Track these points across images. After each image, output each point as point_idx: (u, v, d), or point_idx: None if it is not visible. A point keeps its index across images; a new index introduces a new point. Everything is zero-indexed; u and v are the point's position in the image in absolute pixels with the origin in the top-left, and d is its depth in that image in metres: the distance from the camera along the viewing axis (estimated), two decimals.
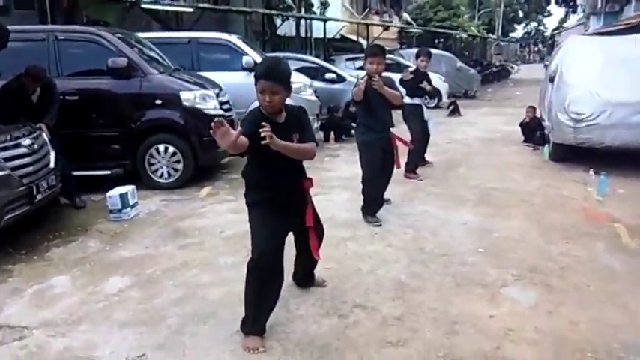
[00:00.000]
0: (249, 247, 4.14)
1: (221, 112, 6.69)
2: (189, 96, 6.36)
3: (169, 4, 11.10)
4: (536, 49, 70.39)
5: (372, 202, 4.94)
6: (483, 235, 4.56)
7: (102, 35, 6.31)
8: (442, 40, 27.12)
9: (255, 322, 2.94)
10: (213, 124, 2.44)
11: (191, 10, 11.41)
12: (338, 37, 22.72)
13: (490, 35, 36.47)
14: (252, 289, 2.91)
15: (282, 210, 2.95)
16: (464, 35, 27.91)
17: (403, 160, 6.67)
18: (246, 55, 8.37)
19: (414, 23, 24.34)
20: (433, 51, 19.93)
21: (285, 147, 2.71)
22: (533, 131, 8.96)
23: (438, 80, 15.80)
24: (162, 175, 6.44)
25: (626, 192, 6.03)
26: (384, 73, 4.86)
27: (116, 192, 5.36)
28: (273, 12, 16.24)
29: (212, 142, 6.46)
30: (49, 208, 5.34)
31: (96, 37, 6.29)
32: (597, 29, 24.59)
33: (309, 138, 2.94)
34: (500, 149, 8.89)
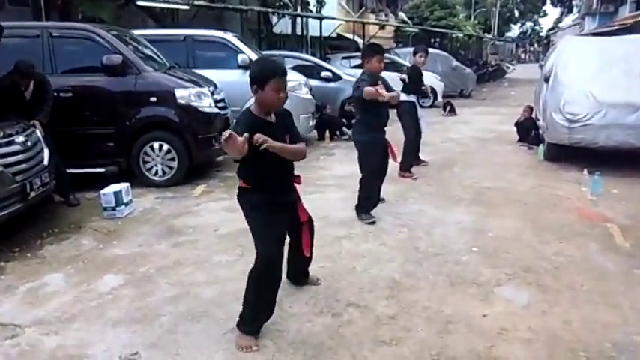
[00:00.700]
0: (244, 245, 4.19)
1: (216, 110, 6.69)
2: (184, 93, 6.34)
3: (164, 1, 11.05)
4: (531, 48, 70.61)
5: (368, 202, 4.94)
6: (477, 235, 4.58)
7: (96, 32, 6.27)
8: (438, 39, 27.16)
9: (254, 322, 2.95)
10: (222, 137, 2.44)
11: (187, 7, 11.36)
12: (334, 35, 22.71)
13: (486, 35, 36.57)
14: (255, 292, 2.91)
15: (280, 210, 2.97)
16: (460, 35, 27.97)
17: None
18: (242, 52, 8.34)
19: (410, 22, 24.37)
20: (429, 50, 20.01)
21: (281, 148, 2.74)
22: (528, 131, 8.99)
23: (433, 79, 15.89)
24: (156, 172, 6.42)
25: (620, 192, 6.06)
26: None
27: (110, 190, 5.34)
28: (270, 9, 16.20)
29: (207, 139, 6.58)
30: (42, 206, 5.32)
31: (90, 34, 6.25)
32: (592, 30, 24.70)
33: (299, 138, 3.00)
34: (495, 148, 8.91)
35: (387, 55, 15.54)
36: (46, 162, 5.10)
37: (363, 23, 21.65)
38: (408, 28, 25.03)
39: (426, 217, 5.05)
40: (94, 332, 3.10)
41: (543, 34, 59.04)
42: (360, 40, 21.35)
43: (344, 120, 10.10)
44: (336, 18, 19.94)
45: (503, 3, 43.51)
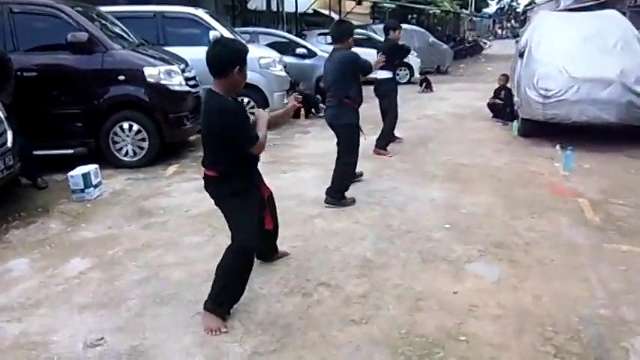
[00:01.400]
0: (215, 226, 4.14)
1: (187, 88, 6.53)
2: (154, 72, 6.16)
3: None
4: (508, 25, 70.65)
5: (346, 186, 4.83)
6: (450, 211, 4.58)
7: (60, 8, 6.01)
8: (415, 15, 26.97)
9: (225, 305, 2.91)
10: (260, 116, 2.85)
11: None
12: (310, 11, 22.39)
13: (463, 11, 36.46)
14: (230, 276, 2.87)
15: (254, 190, 2.93)
16: (437, 11, 27.81)
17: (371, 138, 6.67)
18: (213, 29, 8.13)
19: None
20: (405, 26, 19.85)
21: (267, 126, 2.85)
22: (504, 107, 8.96)
23: (409, 56, 15.77)
24: (127, 153, 6.27)
25: (592, 167, 6.12)
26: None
27: (78, 171, 5.21)
28: None
29: (178, 118, 6.44)
30: (8, 189, 5.16)
31: (54, 10, 5.99)
32: (568, 5, 24.79)
33: None
34: (470, 125, 8.92)
35: (362, 31, 15.50)
36: (9, 144, 4.92)
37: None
38: (384, 4, 24.76)
39: (400, 194, 5.03)
40: (59, 318, 3.02)
41: (520, 9, 59.14)
42: (336, 16, 21.05)
43: (318, 97, 10.00)
44: None
45: None
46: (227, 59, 2.68)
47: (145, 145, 6.26)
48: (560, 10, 21.20)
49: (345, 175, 4.79)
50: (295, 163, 6.36)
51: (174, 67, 6.43)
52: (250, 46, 8.78)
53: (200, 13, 8.37)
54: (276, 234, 3.46)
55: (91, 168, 5.29)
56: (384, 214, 4.50)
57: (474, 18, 41.98)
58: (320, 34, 15.24)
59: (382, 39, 15.87)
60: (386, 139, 6.73)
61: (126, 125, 6.16)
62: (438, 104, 11.38)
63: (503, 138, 7.84)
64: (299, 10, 19.09)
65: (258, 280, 3.32)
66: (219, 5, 18.49)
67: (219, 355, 2.62)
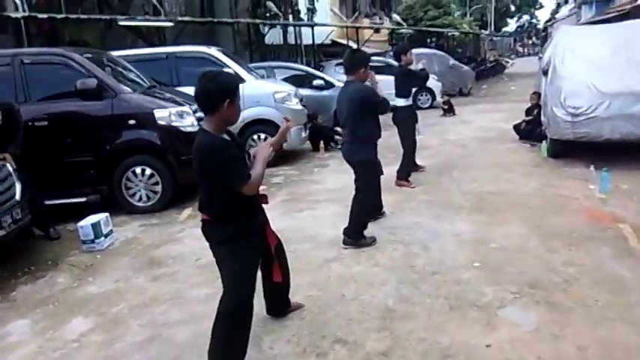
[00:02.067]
0: None
1: (198, 128, 6.37)
2: (164, 114, 6.04)
3: (146, 20, 10.81)
4: (530, 42, 69.86)
5: (363, 225, 4.53)
6: (478, 247, 4.22)
7: (69, 56, 5.99)
8: (434, 38, 26.78)
9: None
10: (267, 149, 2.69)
11: (171, 24, 11.12)
12: (328, 42, 22.45)
13: (483, 31, 36.13)
14: (226, 336, 2.62)
15: (252, 236, 2.70)
16: (456, 33, 27.57)
17: (392, 168, 6.38)
18: (227, 67, 8.05)
19: (404, 24, 24.03)
20: (425, 50, 19.68)
21: (264, 163, 2.63)
22: (533, 127, 8.52)
23: (430, 80, 15.52)
24: (140, 198, 6.12)
25: (630, 187, 5.68)
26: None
27: (88, 221, 5.06)
28: (258, 21, 15.94)
29: (191, 160, 6.25)
30: (19, 242, 5.05)
31: (63, 58, 5.98)
32: (589, 19, 24.28)
33: None
34: (496, 148, 8.54)
35: (380, 58, 15.35)
36: (17, 197, 4.81)
37: (356, 28, 21.35)
38: (402, 30, 24.69)
39: (423, 230, 4.70)
40: None
41: (541, 26, 58.38)
42: (354, 45, 21.04)
43: (337, 129, 9.78)
44: (326, 24, 19.64)
45: None
46: (214, 93, 2.49)
47: (159, 188, 6.10)
48: (581, 24, 20.74)
49: (361, 212, 4.49)
50: (313, 200, 6.10)
51: (186, 108, 6.30)
52: (265, 82, 8.83)
53: (213, 51, 8.32)
54: (288, 286, 3.18)
55: (101, 217, 5.13)
56: (406, 254, 4.16)
57: (494, 38, 41.61)
58: (337, 64, 15.11)
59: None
60: (406, 169, 6.42)
61: (138, 170, 6.03)
62: (461, 128, 11.03)
63: (531, 160, 7.44)
64: (317, 42, 19.11)
65: (269, 339, 3.03)
66: (237, 42, 18.70)
67: None
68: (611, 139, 6.57)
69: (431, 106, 14.99)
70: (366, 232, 4.54)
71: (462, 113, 13.50)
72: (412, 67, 6.73)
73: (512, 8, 52.96)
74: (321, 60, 19.13)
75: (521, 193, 5.74)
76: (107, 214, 5.23)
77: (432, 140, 9.43)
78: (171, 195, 6.17)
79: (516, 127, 9.01)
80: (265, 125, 8.18)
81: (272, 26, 17.26)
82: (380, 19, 27.99)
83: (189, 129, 6.22)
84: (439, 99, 14.73)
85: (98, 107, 5.93)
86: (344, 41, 22.86)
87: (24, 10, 8.78)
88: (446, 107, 13.34)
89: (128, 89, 6.21)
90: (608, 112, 6.47)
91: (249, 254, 2.65)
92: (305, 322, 3.19)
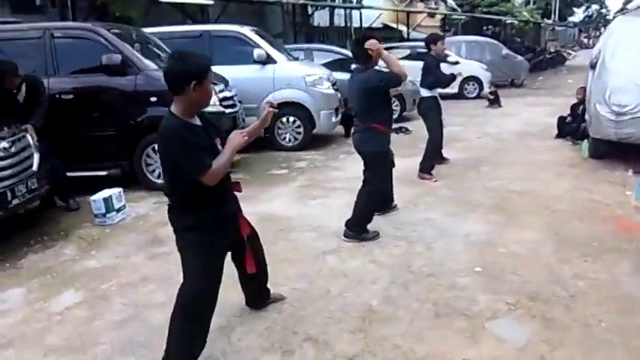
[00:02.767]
0: None
1: (220, 109, 6.34)
2: None
3: None
4: (596, 33, 65.86)
5: (369, 218, 4.34)
6: (486, 250, 3.95)
7: (96, 31, 6.03)
8: (490, 26, 25.69)
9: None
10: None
11: (211, 2, 11.11)
12: (380, 25, 21.99)
13: (545, 20, 34.33)
14: (180, 326, 2.53)
15: (221, 224, 2.59)
16: (514, 21, 26.30)
17: (414, 159, 6.13)
18: (259, 47, 7.95)
19: (459, 9, 23.15)
20: (477, 38, 18.92)
21: (230, 156, 2.46)
22: (577, 126, 7.98)
23: (479, 69, 14.96)
24: (159, 175, 6.14)
25: None
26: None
27: (100, 195, 5.11)
28: (302, 1, 15.71)
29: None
30: (42, 211, 5.26)
31: (90, 33, 6.03)
32: None
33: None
34: (535, 144, 8.07)
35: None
36: (35, 167, 4.90)
37: (406, 12, 20.73)
38: (455, 16, 23.81)
39: (433, 228, 4.46)
40: None
41: (610, 17, 54.85)
42: (404, 29, 20.51)
43: None
44: (372, 7, 19.14)
45: None
46: (180, 74, 2.37)
47: None
48: None
49: (368, 205, 4.30)
50: (330, 188, 5.94)
51: None
52: (297, 64, 8.67)
53: (246, 31, 8.22)
54: (264, 277, 3.07)
55: (114, 192, 5.18)
56: (407, 252, 3.95)
57: (557, 27, 39.43)
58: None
59: (450, 53, 15.26)
60: (430, 162, 6.14)
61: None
62: (503, 121, 10.51)
63: (570, 160, 6.97)
64: (365, 24, 18.73)
65: (240, 330, 2.93)
66: (286, 22, 18.60)
67: None
68: None
69: (478, 96, 14.42)
70: (372, 226, 4.36)
71: (509, 105, 12.90)
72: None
73: None
74: None
75: (549, 195, 5.37)
76: (120, 189, 5.27)
77: (469, 132, 9.04)
78: None
79: (559, 122, 8.47)
80: (295, 108, 8.05)
81: (317, 7, 17.00)
82: (435, 3, 27.13)
83: (210, 108, 6.10)
84: (486, 89, 14.14)
85: (122, 83, 5.96)
86: (395, 25, 22.35)
87: None
88: (492, 98, 12.77)
89: (154, 66, 6.20)
90: None
91: (211, 245, 2.54)
92: (281, 317, 3.08)
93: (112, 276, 3.85)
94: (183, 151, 2.36)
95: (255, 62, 7.88)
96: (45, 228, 5.01)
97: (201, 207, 2.50)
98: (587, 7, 53.42)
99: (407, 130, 9.18)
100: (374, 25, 21.01)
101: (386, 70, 4.22)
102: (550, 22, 35.70)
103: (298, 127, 8.16)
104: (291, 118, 8.12)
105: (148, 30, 7.69)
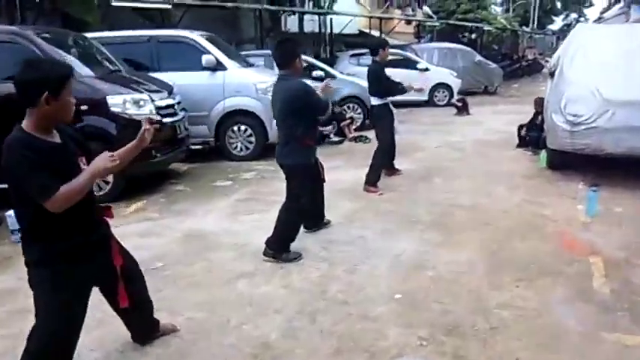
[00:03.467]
0: None
1: (157, 117, 5.98)
2: (118, 101, 5.68)
3: (142, 1, 10.49)
4: None
5: (291, 238, 4.05)
6: (413, 273, 3.65)
7: (24, 35, 5.69)
8: (467, 33, 25.62)
9: None
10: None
11: (169, 6, 10.77)
12: (355, 32, 21.80)
13: (523, 28, 34.40)
14: None
15: (86, 258, 2.24)
16: (491, 28, 26.26)
17: (366, 170, 5.84)
18: (208, 52, 7.62)
19: (434, 16, 23.00)
20: (450, 45, 18.75)
21: (91, 176, 2.20)
22: (538, 136, 7.74)
23: (448, 76, 14.78)
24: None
25: (625, 210, 4.98)
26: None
27: None
28: (267, 6, 15.42)
29: (144, 151, 5.83)
30: None
31: (17, 37, 5.68)
32: (638, 18, 22.71)
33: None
34: (495, 154, 7.82)
35: (398, 51, 14.63)
36: None
37: (379, 18, 20.53)
38: (430, 23, 23.66)
39: (362, 247, 4.15)
40: None
41: None
42: (382, 36, 20.30)
43: (334, 122, 9.30)
44: (342, 13, 18.90)
45: None
46: (30, 84, 2.09)
47: (110, 179, 5.75)
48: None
49: (286, 223, 4.00)
50: (271, 202, 5.57)
51: (143, 95, 5.93)
52: (248, 70, 8.33)
53: (195, 36, 7.88)
54: (147, 309, 2.75)
55: None
56: (325, 276, 3.63)
57: (535, 35, 39.58)
58: (352, 55, 14.56)
59: (421, 60, 15.03)
60: (376, 174, 5.84)
61: None
62: (468, 129, 10.27)
63: (527, 171, 6.73)
64: (337, 31, 18.49)
65: None
66: (257, 28, 18.27)
67: None
68: (614, 153, 5.83)
69: (448, 104, 14.22)
70: (298, 245, 4.05)
71: (479, 113, 12.71)
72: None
73: (559, 5, 50.40)
74: (340, 50, 18.55)
75: (496, 209, 5.10)
76: None
77: (429, 141, 8.80)
78: (123, 186, 5.82)
79: (519, 131, 8.27)
80: (246, 117, 7.73)
81: (287, 13, 16.75)
82: (413, 10, 27.01)
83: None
84: (456, 97, 13.96)
85: None
86: (372, 31, 22.16)
87: None
88: (459, 105, 12.56)
89: (90, 73, 5.88)
90: (612, 122, 5.73)
91: (65, 282, 2.21)
92: (166, 353, 2.74)
93: (6, 301, 3.50)
94: (21, 170, 2.05)
95: (205, 69, 7.56)
96: None
97: (53, 237, 2.17)
98: (566, 16, 53.88)
99: (366, 138, 8.90)
100: (349, 32, 20.80)
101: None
102: (528, 29, 35.84)
103: (250, 136, 7.83)
104: (243, 127, 7.80)
105: (92, 35, 7.35)
